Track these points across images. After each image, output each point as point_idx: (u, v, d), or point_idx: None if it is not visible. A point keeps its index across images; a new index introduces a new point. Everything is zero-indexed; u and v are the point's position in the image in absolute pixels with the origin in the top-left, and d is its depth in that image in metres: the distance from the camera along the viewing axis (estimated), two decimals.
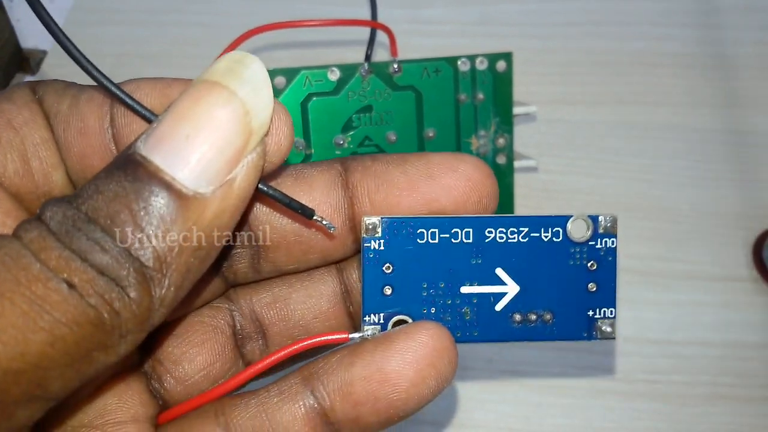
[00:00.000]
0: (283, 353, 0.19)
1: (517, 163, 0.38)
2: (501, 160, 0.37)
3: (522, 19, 0.50)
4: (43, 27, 0.17)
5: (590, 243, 0.20)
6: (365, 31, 0.36)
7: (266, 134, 0.17)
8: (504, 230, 0.19)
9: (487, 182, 0.19)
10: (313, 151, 0.36)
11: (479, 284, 0.20)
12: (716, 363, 0.37)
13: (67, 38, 0.17)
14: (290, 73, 0.35)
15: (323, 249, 0.20)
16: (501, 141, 0.37)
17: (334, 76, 0.35)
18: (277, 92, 0.35)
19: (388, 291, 0.19)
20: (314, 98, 0.35)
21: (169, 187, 0.15)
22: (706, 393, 0.36)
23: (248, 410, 0.19)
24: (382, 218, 0.19)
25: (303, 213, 0.19)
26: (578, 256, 0.20)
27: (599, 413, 0.35)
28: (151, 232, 0.15)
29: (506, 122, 0.37)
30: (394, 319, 0.19)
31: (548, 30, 0.49)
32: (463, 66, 0.36)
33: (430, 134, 0.36)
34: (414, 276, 0.19)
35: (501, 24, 0.50)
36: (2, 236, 0.15)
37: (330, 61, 0.35)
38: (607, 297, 0.20)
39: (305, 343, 0.19)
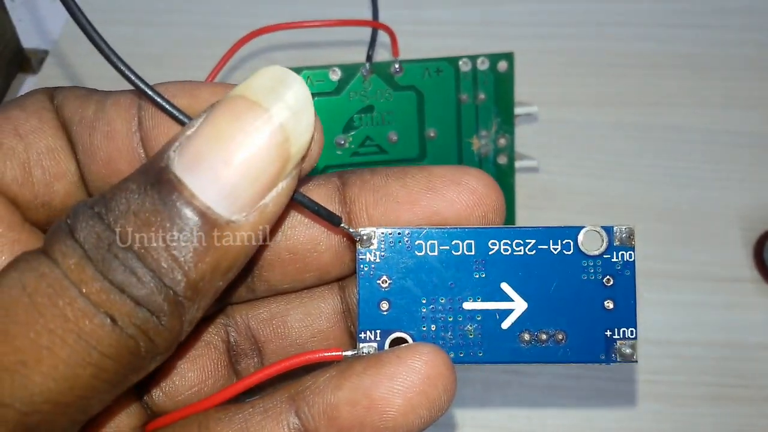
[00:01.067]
0: (273, 369, 0.18)
1: (518, 164, 0.38)
2: (502, 160, 0.37)
3: (524, 19, 0.50)
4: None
5: (605, 256, 0.18)
6: (367, 32, 0.36)
7: (303, 158, 0.16)
8: (509, 242, 0.18)
9: (493, 195, 0.19)
10: None
11: (483, 300, 0.18)
12: (718, 363, 0.37)
13: (102, 38, 0.17)
14: None
15: (319, 267, 0.19)
16: (502, 141, 0.37)
17: (335, 76, 0.35)
18: None
19: (384, 306, 0.18)
20: (315, 98, 0.35)
21: (203, 215, 0.15)
22: (708, 393, 0.36)
23: (231, 426, 0.18)
24: (377, 229, 0.18)
25: (330, 220, 0.18)
26: (592, 271, 0.18)
27: (601, 413, 0.35)
28: (183, 260, 0.15)
29: (507, 122, 0.37)
30: (392, 336, 0.18)
31: (550, 30, 0.49)
32: (465, 66, 0.36)
33: (432, 134, 0.36)
34: (413, 291, 0.18)
35: (503, 24, 0.50)
36: (37, 258, 0.15)
37: (331, 62, 0.35)
38: (627, 315, 0.18)
39: (297, 359, 0.18)
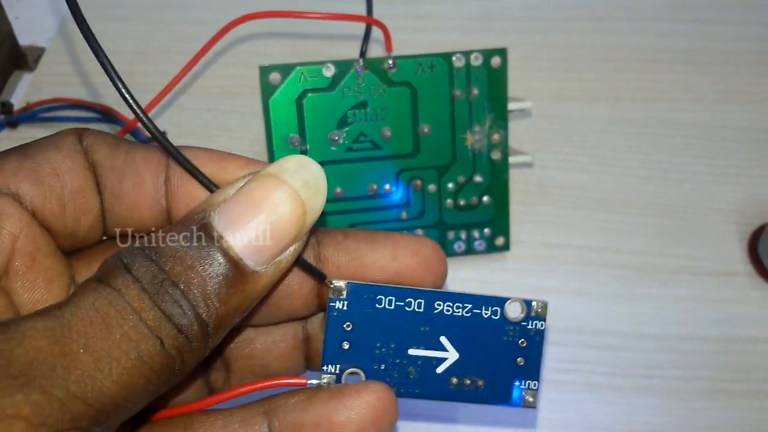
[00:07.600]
0: (247, 389, 0.22)
1: (512, 159, 0.38)
2: (496, 155, 0.37)
3: (520, 14, 0.50)
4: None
5: (523, 323, 0.23)
6: (360, 27, 0.36)
7: (313, 225, 0.20)
8: (451, 304, 0.22)
9: (442, 265, 0.23)
10: (308, 146, 0.36)
11: (425, 348, 0.22)
12: (712, 358, 0.37)
13: (152, 122, 0.20)
14: (285, 69, 0.35)
15: (289, 311, 0.23)
16: (496, 137, 0.37)
17: (329, 72, 0.35)
18: (272, 88, 0.35)
19: (346, 346, 0.22)
20: (309, 94, 0.35)
21: (236, 264, 0.19)
22: (703, 388, 0.36)
23: (212, 428, 0.21)
24: (348, 282, 0.22)
25: (318, 276, 0.22)
26: (511, 334, 0.23)
27: (596, 408, 0.36)
28: (216, 298, 0.19)
29: (501, 118, 0.37)
30: (349, 370, 0.22)
31: (546, 25, 0.49)
32: (458, 62, 0.36)
33: (425, 130, 0.36)
34: (369, 335, 0.22)
35: (498, 19, 0.50)
36: (103, 288, 0.18)
37: (325, 57, 0.35)
38: (533, 371, 0.23)
39: (268, 383, 0.22)
